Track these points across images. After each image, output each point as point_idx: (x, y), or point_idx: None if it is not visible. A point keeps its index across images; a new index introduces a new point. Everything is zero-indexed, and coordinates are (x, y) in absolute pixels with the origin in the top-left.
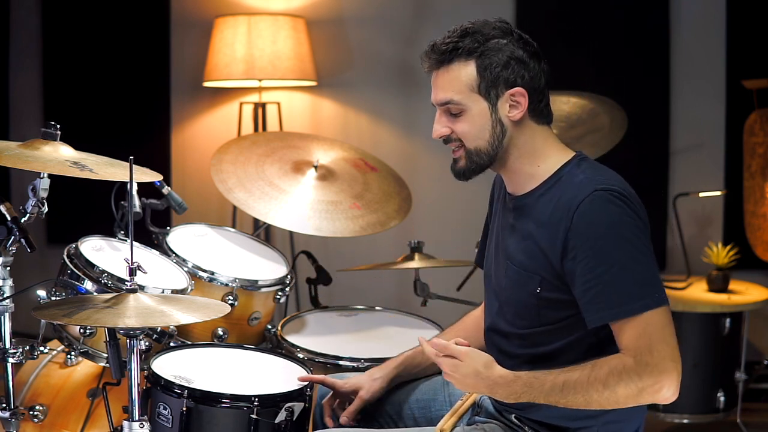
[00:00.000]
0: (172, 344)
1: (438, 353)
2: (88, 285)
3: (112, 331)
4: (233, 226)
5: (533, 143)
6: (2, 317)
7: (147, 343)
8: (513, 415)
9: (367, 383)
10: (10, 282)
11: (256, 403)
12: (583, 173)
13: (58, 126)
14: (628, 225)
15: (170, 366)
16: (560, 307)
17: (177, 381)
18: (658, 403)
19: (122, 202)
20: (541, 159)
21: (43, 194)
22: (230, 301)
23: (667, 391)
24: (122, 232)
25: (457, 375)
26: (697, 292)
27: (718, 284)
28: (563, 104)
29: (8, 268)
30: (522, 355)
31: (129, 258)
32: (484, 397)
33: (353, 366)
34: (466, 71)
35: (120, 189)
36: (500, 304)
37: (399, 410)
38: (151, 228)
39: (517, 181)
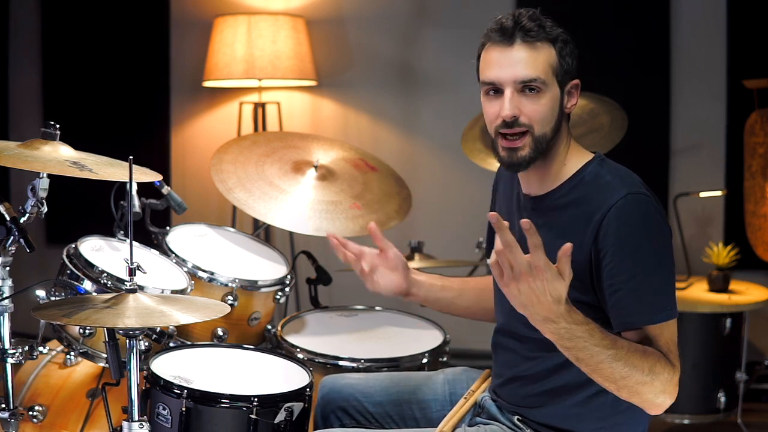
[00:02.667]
0: (171, 344)
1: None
2: (88, 285)
3: (111, 332)
4: (233, 226)
5: (568, 140)
6: (1, 317)
7: (146, 344)
8: (516, 417)
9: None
10: (9, 282)
11: (255, 404)
12: (610, 174)
13: (58, 126)
14: (660, 232)
15: (170, 366)
16: (582, 311)
17: (176, 381)
18: (657, 406)
19: (122, 202)
20: (567, 158)
21: (43, 194)
22: (230, 302)
23: (671, 399)
24: (122, 232)
25: (521, 290)
26: (698, 292)
27: (719, 284)
28: None
29: (8, 268)
30: (537, 358)
31: (128, 258)
32: (486, 398)
33: (353, 366)
34: (550, 53)
35: (120, 189)
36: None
37: (400, 410)
38: (151, 228)
39: (540, 180)
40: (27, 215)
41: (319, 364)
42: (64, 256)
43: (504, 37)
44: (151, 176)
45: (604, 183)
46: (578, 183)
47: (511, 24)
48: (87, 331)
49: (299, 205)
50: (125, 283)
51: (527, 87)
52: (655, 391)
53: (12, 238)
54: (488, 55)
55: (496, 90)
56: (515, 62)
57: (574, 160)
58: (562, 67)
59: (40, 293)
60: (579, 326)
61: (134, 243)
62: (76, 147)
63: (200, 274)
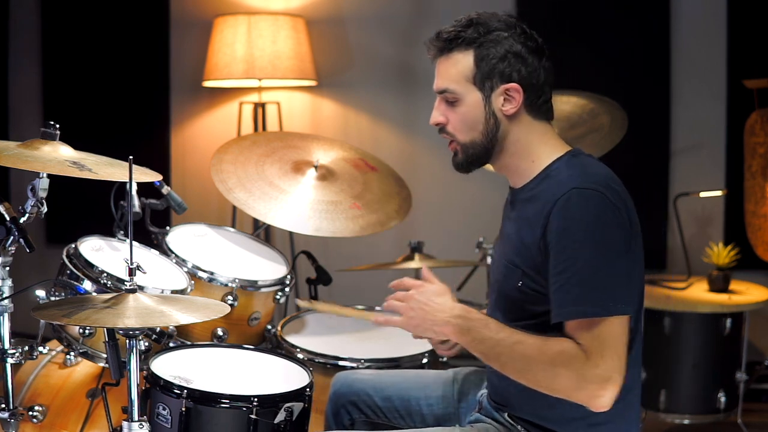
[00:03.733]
0: (171, 344)
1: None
2: (88, 285)
3: (111, 332)
4: (233, 226)
5: (528, 139)
6: (1, 317)
7: (146, 344)
8: (506, 414)
9: None
10: (9, 282)
11: (255, 404)
12: (569, 170)
13: (58, 126)
14: (602, 225)
15: (169, 366)
16: (543, 302)
17: (176, 381)
18: (588, 407)
19: (122, 202)
20: (536, 155)
21: (43, 194)
22: (230, 302)
23: (604, 401)
24: (122, 232)
25: (412, 307)
26: (698, 292)
27: (719, 284)
28: (563, 104)
29: (7, 268)
30: None
31: (128, 258)
32: (485, 395)
33: (353, 366)
34: (464, 61)
35: (119, 189)
36: (496, 296)
37: (407, 406)
38: (151, 228)
39: (514, 177)
40: (27, 215)
41: (319, 364)
42: (64, 256)
43: (430, 51)
44: (151, 176)
45: (560, 178)
46: (544, 178)
47: (433, 37)
48: (87, 331)
49: (299, 205)
50: (125, 283)
51: (445, 97)
52: (565, 385)
53: (12, 238)
54: None
55: None
56: (437, 74)
57: (544, 156)
58: (482, 72)
59: (40, 293)
60: (475, 320)
61: (134, 243)
62: (76, 147)
63: (200, 274)
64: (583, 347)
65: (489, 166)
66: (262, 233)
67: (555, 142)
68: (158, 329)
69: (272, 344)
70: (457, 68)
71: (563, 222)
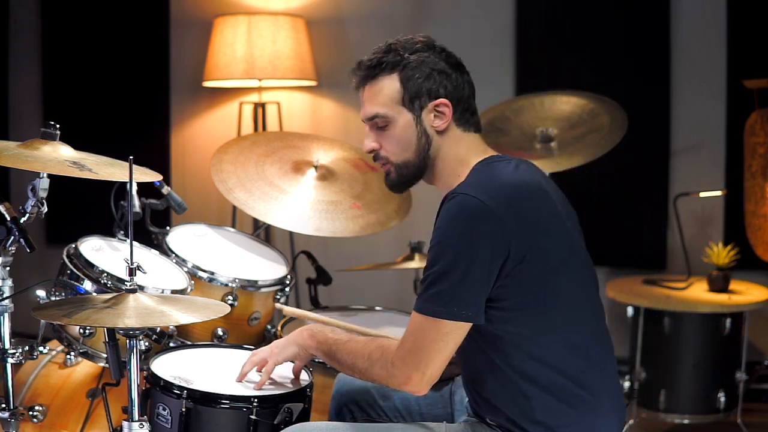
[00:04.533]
0: (171, 344)
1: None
2: (88, 285)
3: (111, 332)
4: (233, 226)
5: (458, 151)
6: (2, 317)
7: (146, 344)
8: (487, 417)
9: None
10: (9, 282)
11: (255, 404)
12: (471, 177)
13: (58, 126)
14: (469, 232)
15: (170, 366)
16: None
17: (176, 381)
18: (394, 384)
19: (122, 202)
20: (463, 167)
21: (43, 194)
22: (230, 301)
23: (411, 389)
24: (122, 232)
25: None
26: (698, 292)
27: (719, 284)
28: (563, 104)
29: (8, 268)
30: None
31: (129, 258)
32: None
33: None
34: (390, 85)
35: (120, 189)
36: None
37: (407, 405)
38: (151, 228)
39: (445, 191)
40: (27, 215)
41: (319, 364)
42: (64, 256)
43: (354, 81)
44: (151, 176)
45: (460, 186)
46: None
47: (355, 67)
48: (87, 331)
49: (299, 205)
50: (125, 283)
51: (374, 124)
52: (378, 375)
53: (12, 238)
54: None
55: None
56: (362, 102)
57: (466, 169)
58: (408, 91)
59: (40, 293)
60: (323, 327)
61: (134, 243)
62: (76, 147)
63: (200, 274)
64: (402, 340)
65: None
66: (262, 233)
67: (482, 152)
68: (158, 329)
69: None
70: (384, 93)
71: (438, 223)
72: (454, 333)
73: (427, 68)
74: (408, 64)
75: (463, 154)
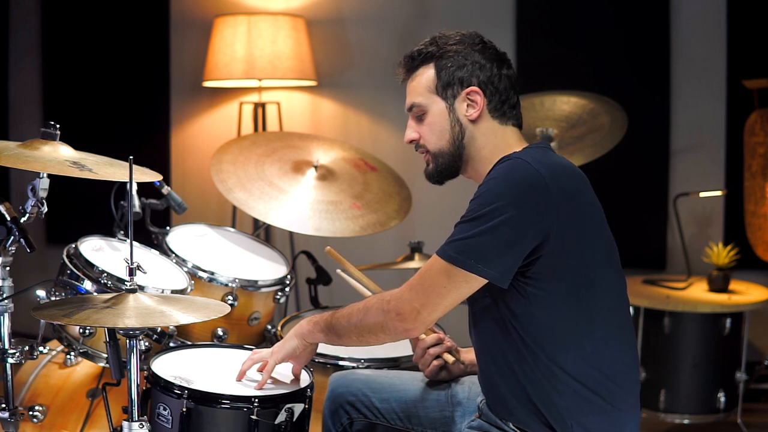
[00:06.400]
0: (171, 344)
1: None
2: (88, 285)
3: (111, 332)
4: (233, 226)
5: (495, 142)
6: (2, 317)
7: (147, 344)
8: (510, 423)
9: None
10: (9, 282)
11: (255, 404)
12: (506, 159)
13: (58, 126)
14: (516, 189)
15: (170, 366)
16: (517, 295)
17: (177, 381)
18: (396, 337)
19: (122, 202)
20: (496, 156)
21: (43, 194)
22: (230, 301)
23: (403, 324)
24: (122, 232)
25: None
26: (698, 292)
27: (719, 284)
28: (563, 104)
29: (8, 268)
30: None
31: (129, 258)
32: (483, 401)
33: (353, 366)
34: (427, 74)
35: (120, 189)
36: (475, 312)
37: (405, 407)
38: (151, 228)
39: (477, 183)
40: (27, 215)
41: (319, 364)
42: (64, 256)
43: (399, 75)
44: (151, 176)
45: (494, 168)
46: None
47: (400, 61)
48: (87, 331)
49: (299, 205)
50: (125, 283)
51: (415, 113)
52: (373, 321)
53: (12, 238)
54: None
55: None
56: (406, 93)
57: (497, 159)
58: (441, 80)
59: (40, 293)
60: (322, 314)
61: (134, 243)
62: (76, 147)
63: (200, 274)
64: (407, 283)
65: None
66: (262, 233)
67: (521, 145)
68: (158, 329)
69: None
70: (421, 82)
71: (486, 180)
72: (462, 284)
73: (460, 57)
74: (444, 54)
75: (500, 145)
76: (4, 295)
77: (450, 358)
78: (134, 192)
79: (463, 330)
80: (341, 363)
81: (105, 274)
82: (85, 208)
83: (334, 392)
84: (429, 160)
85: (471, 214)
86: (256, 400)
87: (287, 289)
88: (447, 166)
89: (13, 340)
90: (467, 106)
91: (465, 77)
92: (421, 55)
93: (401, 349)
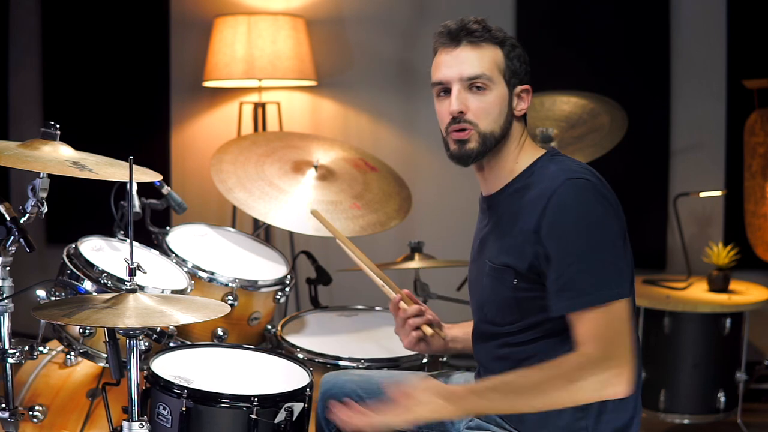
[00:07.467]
0: (171, 344)
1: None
2: (88, 285)
3: (111, 332)
4: (233, 226)
5: (520, 140)
6: (2, 317)
7: (146, 344)
8: (500, 416)
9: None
10: (9, 282)
11: (255, 404)
12: (555, 165)
13: (58, 126)
14: (596, 215)
15: (170, 366)
16: (538, 299)
17: (176, 381)
18: (612, 398)
19: (122, 202)
20: (521, 155)
21: (43, 194)
22: (230, 301)
23: (626, 386)
24: (122, 232)
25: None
26: (698, 292)
27: (719, 284)
28: (563, 104)
29: (8, 268)
30: (509, 357)
31: (129, 258)
32: None
33: (353, 366)
34: (496, 54)
35: (120, 189)
36: (483, 307)
37: None
38: (151, 228)
39: (495, 178)
40: (27, 215)
41: (319, 364)
42: (64, 256)
43: (450, 40)
44: (151, 176)
45: (549, 173)
46: (529, 176)
47: (456, 27)
48: (87, 331)
49: (299, 205)
50: (125, 283)
51: (473, 84)
52: (593, 390)
53: (12, 238)
54: (438, 58)
55: (446, 90)
56: (461, 61)
57: (525, 157)
58: (510, 69)
59: (40, 293)
60: (462, 395)
61: (134, 243)
62: (76, 147)
63: (200, 274)
64: (591, 341)
65: None
66: (262, 233)
67: (534, 144)
68: (158, 329)
69: (272, 344)
70: (491, 58)
71: (560, 212)
72: (628, 311)
73: (519, 52)
74: (510, 44)
75: (524, 143)
76: (4, 295)
77: (428, 331)
78: (134, 192)
79: (454, 318)
80: (341, 363)
81: (105, 274)
82: (85, 208)
83: (327, 393)
84: (472, 138)
85: (580, 252)
86: (256, 399)
87: (287, 289)
88: (489, 149)
89: (13, 340)
90: (519, 100)
91: (522, 74)
92: (487, 32)
93: (402, 349)
